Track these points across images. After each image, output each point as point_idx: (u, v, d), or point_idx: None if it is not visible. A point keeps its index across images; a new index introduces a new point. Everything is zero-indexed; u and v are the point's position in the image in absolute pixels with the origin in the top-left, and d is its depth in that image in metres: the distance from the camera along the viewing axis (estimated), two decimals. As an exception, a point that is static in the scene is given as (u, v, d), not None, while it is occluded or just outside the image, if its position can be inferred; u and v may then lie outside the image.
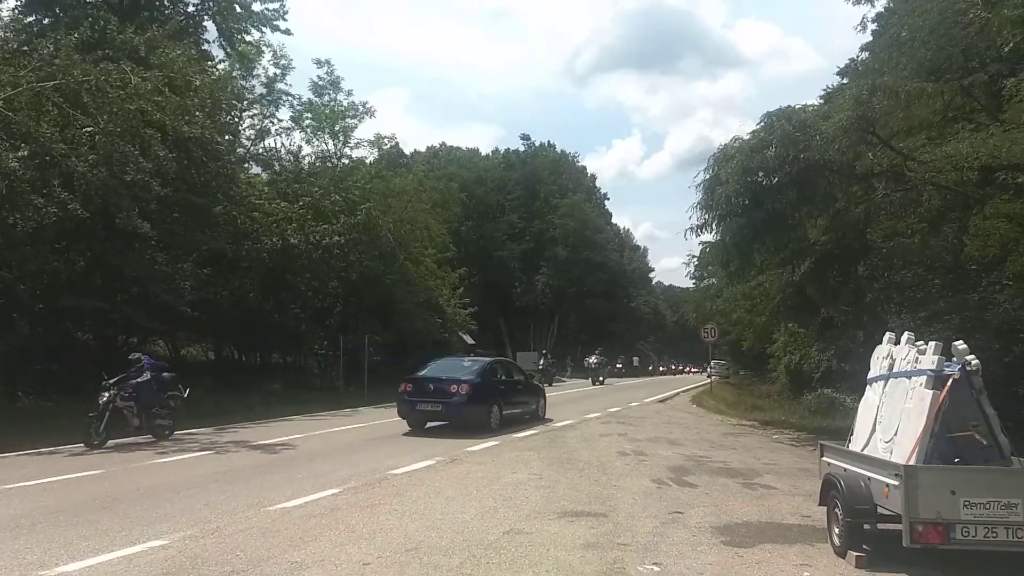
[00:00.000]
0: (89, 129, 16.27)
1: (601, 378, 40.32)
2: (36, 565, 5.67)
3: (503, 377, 16.83)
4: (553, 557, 6.02)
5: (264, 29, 25.80)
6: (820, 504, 6.85)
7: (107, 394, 12.89)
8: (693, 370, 75.72)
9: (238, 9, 24.69)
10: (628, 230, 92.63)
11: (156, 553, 5.97)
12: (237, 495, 8.34)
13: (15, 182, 14.54)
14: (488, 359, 18.32)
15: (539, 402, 18.16)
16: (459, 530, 6.81)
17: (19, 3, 21.52)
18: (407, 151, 57.32)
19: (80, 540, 6.37)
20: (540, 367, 38.17)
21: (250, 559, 5.80)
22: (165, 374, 14.28)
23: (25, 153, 15.27)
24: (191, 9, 24.65)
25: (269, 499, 8.07)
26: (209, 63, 24.43)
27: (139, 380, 13.44)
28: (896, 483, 5.63)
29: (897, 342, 6.86)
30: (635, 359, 66.90)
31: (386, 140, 31.92)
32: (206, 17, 24.97)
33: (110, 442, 12.63)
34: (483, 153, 75.33)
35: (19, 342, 17.71)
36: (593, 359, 41.64)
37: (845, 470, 6.63)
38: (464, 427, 14.54)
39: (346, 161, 30.08)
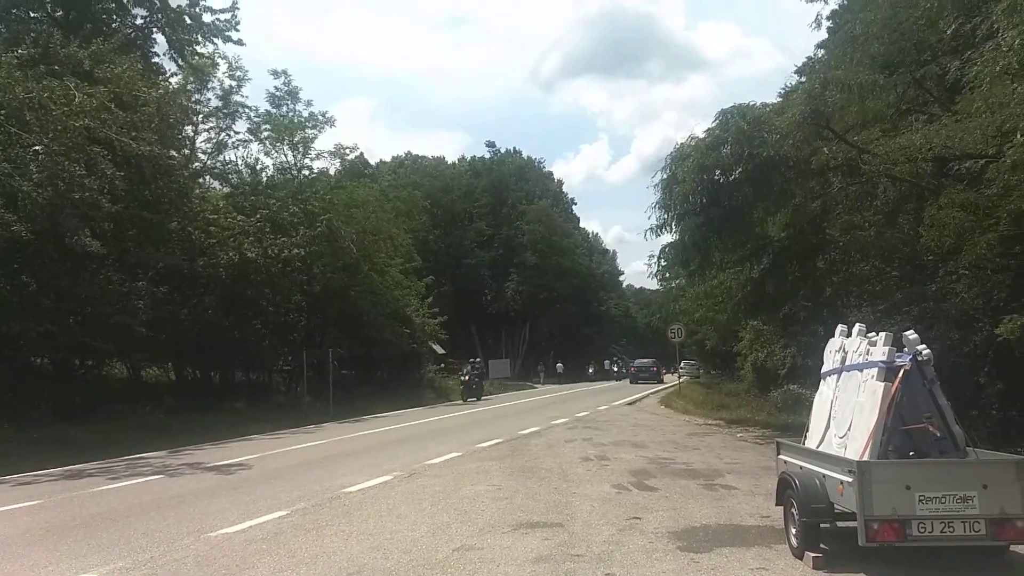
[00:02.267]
0: (36, 148, 15.76)
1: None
2: (-54, 608, 5.30)
3: None
4: (503, 573, 5.78)
5: (216, 40, 25.32)
6: (777, 504, 6.68)
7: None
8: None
9: (188, 21, 24.15)
10: (597, 234, 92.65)
11: (79, 589, 5.62)
12: (179, 522, 7.97)
13: (-45, 203, 14.02)
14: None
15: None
16: (407, 549, 6.52)
17: (-43, 20, 20.92)
18: (372, 161, 56.99)
19: (2, 578, 6.01)
20: (464, 378, 32.36)
21: (179, 591, 5.47)
22: None
23: (-35, 173, 14.77)
24: (139, 22, 24.10)
25: (212, 524, 7.71)
26: (160, 76, 23.92)
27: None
28: (850, 480, 5.47)
29: (849, 334, 6.73)
30: (606, 362, 67.01)
31: (348, 151, 31.54)
32: (155, 29, 24.40)
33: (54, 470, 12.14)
34: (449, 161, 75.07)
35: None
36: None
37: (800, 468, 6.47)
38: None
39: (307, 173, 29.65)
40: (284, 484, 10.33)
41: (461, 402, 30.60)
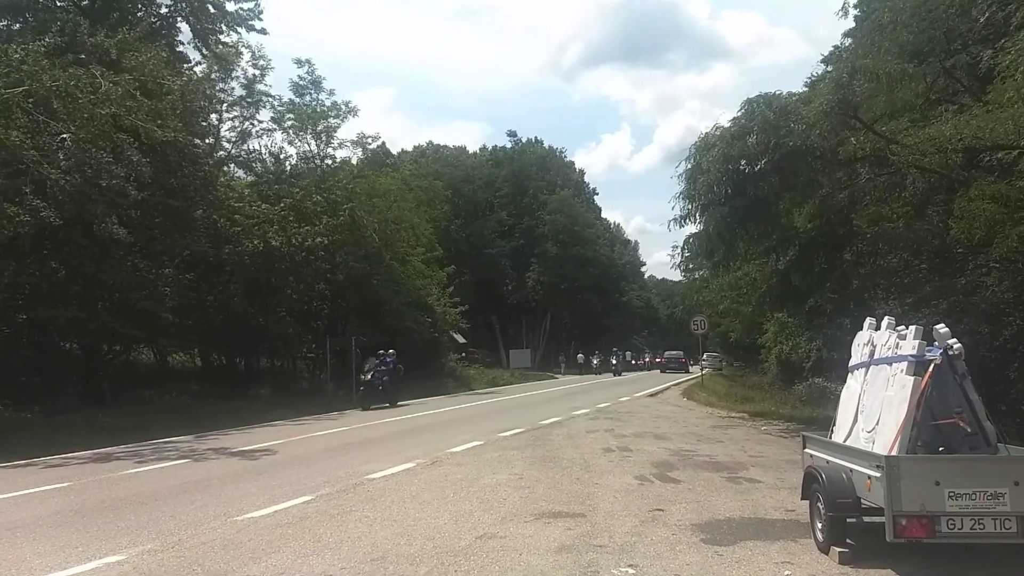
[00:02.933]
0: (64, 136, 15.95)
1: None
2: (-19, 587, 5.42)
3: None
4: (525, 562, 5.78)
5: (239, 29, 25.49)
6: (803, 498, 6.62)
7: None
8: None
9: (211, 9, 24.29)
10: (619, 224, 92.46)
11: (110, 570, 5.71)
12: (206, 505, 8.08)
13: (-15, 190, 14.24)
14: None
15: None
16: (430, 536, 6.56)
17: (-13, 9, 21.17)
18: (394, 151, 57.12)
19: (34, 557, 6.11)
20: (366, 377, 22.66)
21: (207, 573, 5.55)
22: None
23: (-7, 160, 14.99)
24: (164, 11, 24.27)
25: (238, 508, 7.81)
26: (185, 65, 24.09)
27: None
28: (878, 475, 5.41)
29: (878, 327, 6.64)
30: (627, 353, 66.85)
31: (370, 140, 31.60)
32: (179, 18, 24.56)
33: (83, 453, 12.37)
34: (470, 151, 75.07)
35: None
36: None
37: (827, 462, 6.41)
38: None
39: (329, 162, 29.79)
40: (308, 470, 10.43)
41: (481, 391, 30.53)
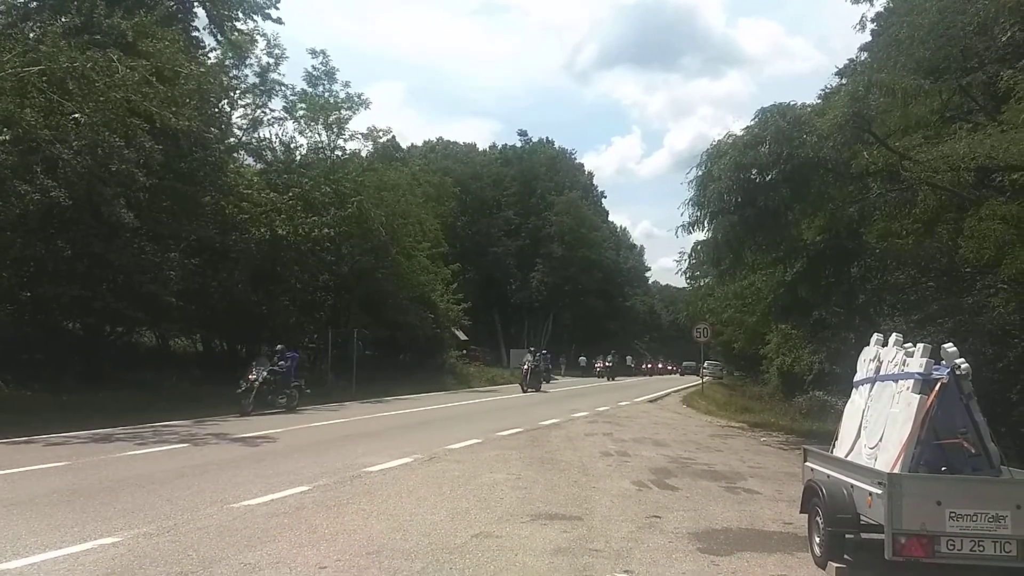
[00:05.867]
0: (76, 116, 15.96)
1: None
2: (-24, 562, 5.41)
3: None
4: (520, 563, 5.77)
5: (255, 17, 25.43)
6: (801, 511, 6.59)
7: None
8: (670, 368, 78.95)
9: (229, -4, 24.35)
10: (625, 228, 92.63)
11: (105, 551, 5.70)
12: (203, 491, 8.07)
13: (-3, 167, 14.25)
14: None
15: None
16: (426, 532, 6.55)
17: (5, -14, 21.15)
18: (403, 145, 57.05)
19: (29, 535, 6.11)
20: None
21: (201, 560, 5.54)
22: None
23: (8, 138, 14.97)
24: (181, -6, 24.25)
25: (235, 496, 7.81)
26: (200, 51, 24.08)
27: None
28: (879, 492, 5.38)
29: (885, 344, 6.61)
30: (628, 358, 66.79)
31: (381, 133, 31.57)
32: (196, 3, 24.57)
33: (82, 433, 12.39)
34: (480, 148, 75.10)
35: (-1, 331, 17.49)
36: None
37: (828, 476, 6.38)
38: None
39: (339, 153, 29.73)
40: (306, 460, 10.43)
41: (481, 389, 30.61)
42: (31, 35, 17.98)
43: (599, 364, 49.98)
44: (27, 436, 12.14)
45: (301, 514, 7.11)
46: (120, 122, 16.34)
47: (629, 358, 67.32)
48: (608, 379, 46.48)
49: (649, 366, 73.65)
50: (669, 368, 78.66)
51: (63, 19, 18.84)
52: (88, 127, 15.70)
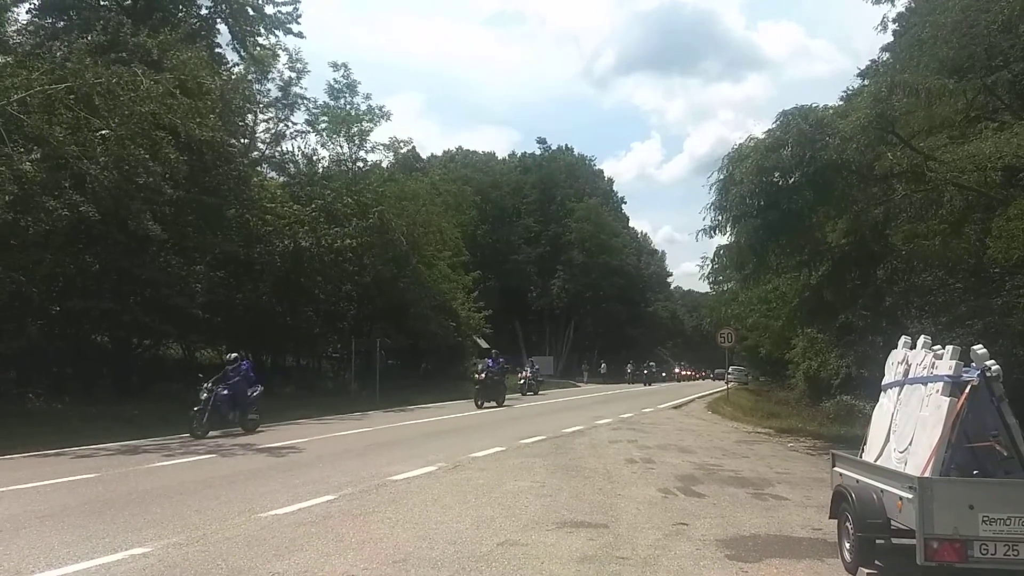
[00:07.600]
0: (103, 132, 16.25)
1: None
2: (11, 573, 5.50)
3: None
4: (547, 571, 5.75)
5: (277, 32, 25.78)
6: (831, 517, 6.51)
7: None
8: (702, 374, 79.51)
9: (251, 12, 24.65)
10: (646, 234, 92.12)
11: (135, 561, 5.77)
12: (231, 501, 8.15)
13: (27, 184, 14.54)
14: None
15: None
16: (452, 540, 6.55)
17: (33, 7, 21.62)
18: (423, 155, 57.35)
19: (62, 546, 6.20)
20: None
21: (231, 569, 5.58)
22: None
23: (38, 156, 15.31)
24: (204, 12, 24.63)
25: (262, 505, 7.87)
26: (223, 66, 24.45)
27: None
28: (910, 496, 5.30)
29: (913, 346, 6.52)
30: (652, 364, 66.51)
31: (402, 144, 31.83)
32: (219, 20, 24.91)
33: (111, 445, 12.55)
34: (499, 157, 75.34)
35: (29, 345, 17.79)
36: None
37: (857, 481, 6.30)
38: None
39: (361, 164, 30.02)
40: (332, 469, 10.49)
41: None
42: (58, 54, 18.39)
43: (629, 369, 52.77)
44: (57, 448, 12.36)
45: (328, 523, 7.14)
46: (145, 135, 16.62)
47: (652, 364, 67.08)
48: (645, 384, 48.74)
49: (685, 373, 74.03)
50: (702, 374, 78.86)
51: (89, 37, 19.22)
52: (115, 141, 15.98)
